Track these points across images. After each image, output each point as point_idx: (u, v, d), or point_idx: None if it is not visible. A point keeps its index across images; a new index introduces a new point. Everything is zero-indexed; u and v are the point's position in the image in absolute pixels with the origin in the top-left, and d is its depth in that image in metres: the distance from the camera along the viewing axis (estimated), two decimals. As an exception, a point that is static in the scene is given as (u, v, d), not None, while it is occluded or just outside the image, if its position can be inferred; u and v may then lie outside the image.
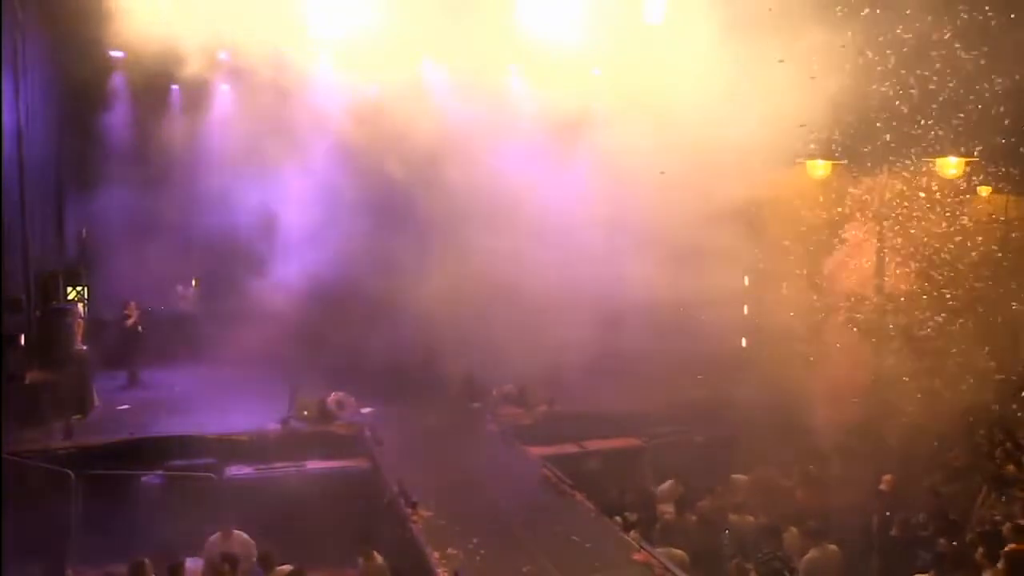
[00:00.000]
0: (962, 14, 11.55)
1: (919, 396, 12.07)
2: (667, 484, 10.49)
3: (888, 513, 9.51)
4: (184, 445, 11.68)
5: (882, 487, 10.43)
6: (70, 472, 10.83)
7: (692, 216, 12.73)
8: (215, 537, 9.03)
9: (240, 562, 8.66)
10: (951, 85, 11.84)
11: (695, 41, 12.22)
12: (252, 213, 14.86)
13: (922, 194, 13.41)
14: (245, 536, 9.07)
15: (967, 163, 13.67)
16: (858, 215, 14.18)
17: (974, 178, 13.94)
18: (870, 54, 11.84)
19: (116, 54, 15.05)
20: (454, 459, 11.64)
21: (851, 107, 12.15)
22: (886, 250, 13.92)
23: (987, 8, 11.42)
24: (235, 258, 15.69)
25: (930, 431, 11.59)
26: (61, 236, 16.34)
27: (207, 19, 13.03)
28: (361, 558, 8.50)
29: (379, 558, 8.48)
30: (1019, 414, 12.27)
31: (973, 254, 13.23)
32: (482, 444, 12.63)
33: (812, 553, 8.53)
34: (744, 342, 15.97)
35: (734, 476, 10.97)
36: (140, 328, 15.18)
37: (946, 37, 11.62)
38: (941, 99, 12.00)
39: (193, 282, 17.03)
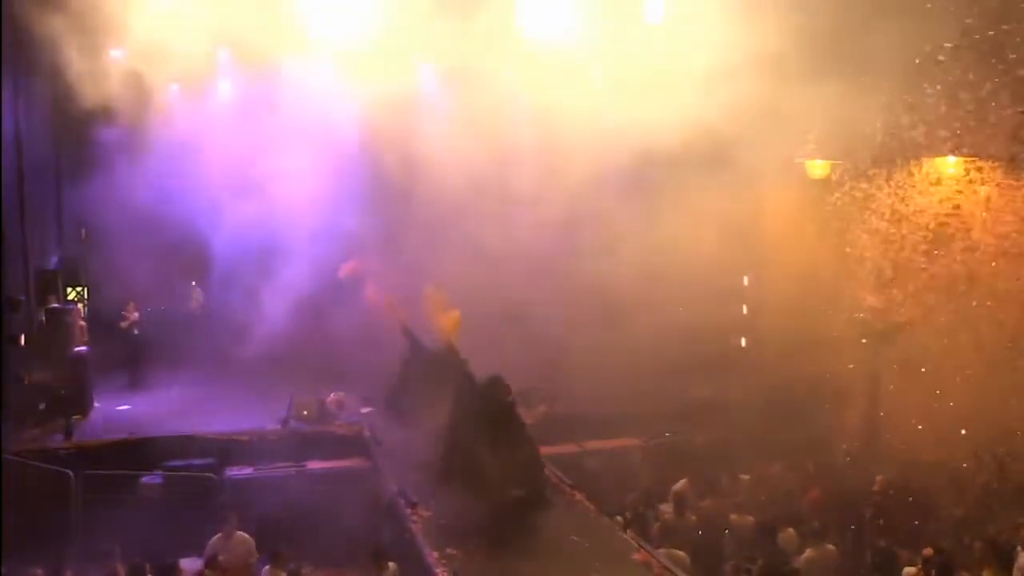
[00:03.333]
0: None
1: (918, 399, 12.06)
2: (680, 483, 10.49)
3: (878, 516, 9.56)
4: (184, 445, 11.71)
5: (874, 488, 10.45)
6: (70, 472, 10.87)
7: (693, 215, 12.75)
8: (216, 538, 9.02)
9: (241, 563, 8.66)
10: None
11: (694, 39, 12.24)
12: (252, 215, 14.83)
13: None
14: (246, 536, 9.05)
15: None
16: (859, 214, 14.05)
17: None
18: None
19: (116, 54, 15.03)
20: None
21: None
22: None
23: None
24: (235, 259, 15.67)
25: (929, 436, 11.60)
26: (61, 236, 16.34)
27: (207, 20, 13.04)
28: (375, 571, 8.14)
29: (393, 567, 8.18)
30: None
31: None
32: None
33: (809, 553, 8.54)
34: (743, 342, 15.98)
35: (735, 476, 10.96)
36: (137, 331, 15.21)
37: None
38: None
39: (193, 283, 17.05)
